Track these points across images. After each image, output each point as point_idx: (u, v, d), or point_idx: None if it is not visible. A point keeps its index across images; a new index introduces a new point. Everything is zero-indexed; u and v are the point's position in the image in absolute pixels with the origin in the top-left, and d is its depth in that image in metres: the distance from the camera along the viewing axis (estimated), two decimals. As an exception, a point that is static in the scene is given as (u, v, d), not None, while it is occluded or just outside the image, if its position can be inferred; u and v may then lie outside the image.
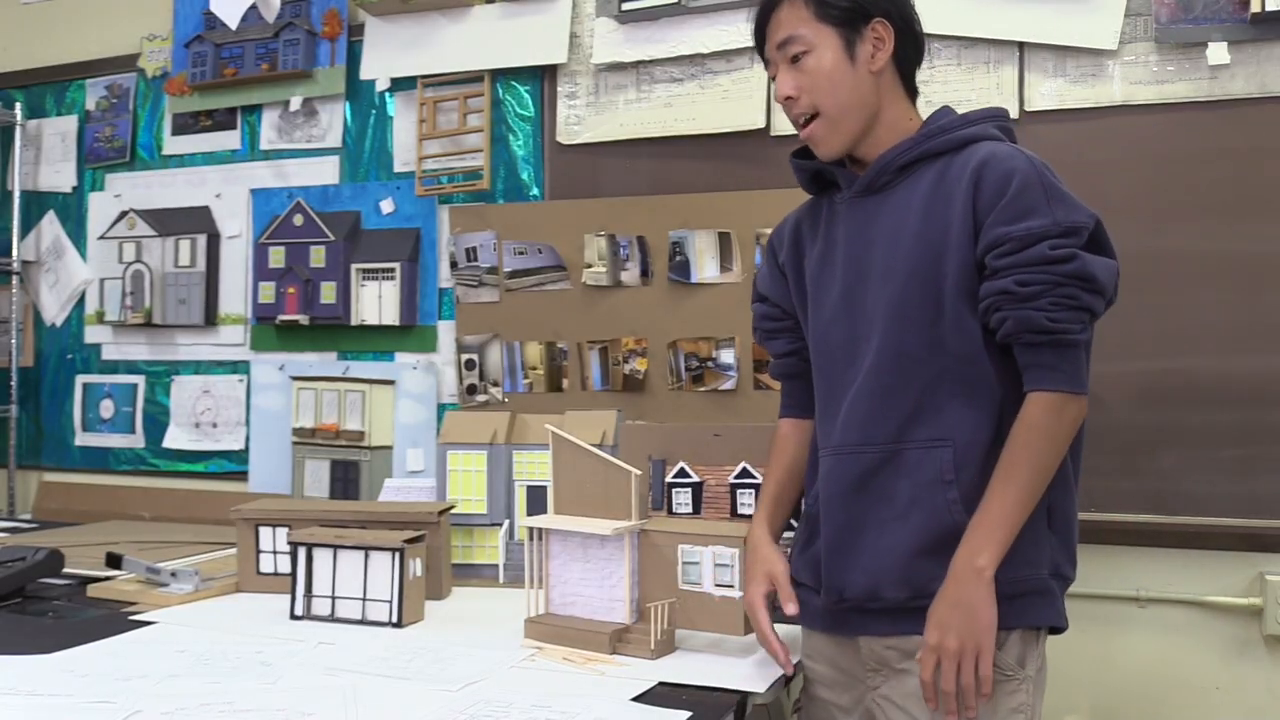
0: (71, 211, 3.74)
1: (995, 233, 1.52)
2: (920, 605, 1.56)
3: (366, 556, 2.05)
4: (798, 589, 1.73)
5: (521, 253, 2.99)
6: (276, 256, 3.31)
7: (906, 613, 1.58)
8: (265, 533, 2.29)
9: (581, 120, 2.98)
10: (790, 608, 1.72)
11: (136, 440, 3.61)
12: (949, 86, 2.54)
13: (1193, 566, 2.41)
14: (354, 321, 3.22)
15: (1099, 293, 1.51)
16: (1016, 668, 1.57)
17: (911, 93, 1.74)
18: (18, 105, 3.74)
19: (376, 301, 3.20)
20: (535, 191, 3.05)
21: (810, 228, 1.79)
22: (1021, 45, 2.53)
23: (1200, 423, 2.38)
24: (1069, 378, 1.52)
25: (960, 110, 1.72)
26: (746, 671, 1.72)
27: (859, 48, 1.65)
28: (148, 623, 2.04)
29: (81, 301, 3.71)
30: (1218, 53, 2.37)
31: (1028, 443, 1.52)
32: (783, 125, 2.75)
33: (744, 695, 1.63)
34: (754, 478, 2.18)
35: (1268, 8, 2.30)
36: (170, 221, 3.51)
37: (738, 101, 2.80)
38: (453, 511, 2.35)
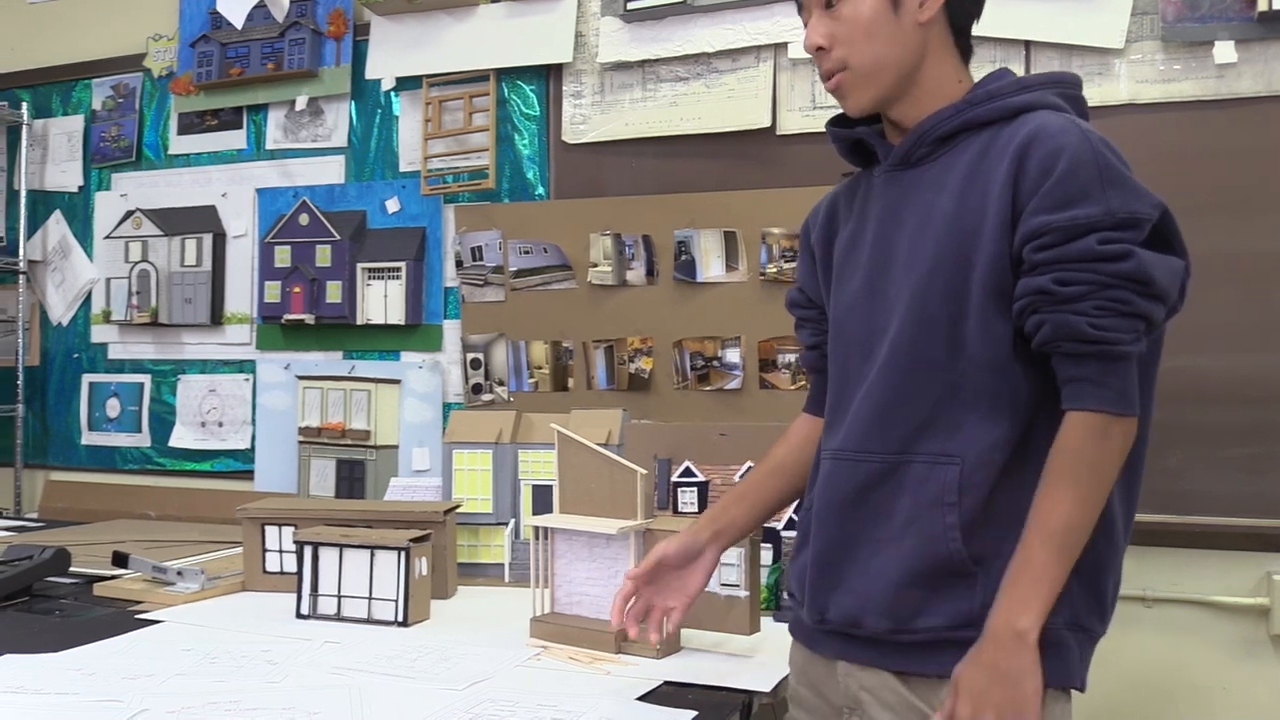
0: (78, 211, 3.75)
1: (1036, 221, 1.29)
2: (901, 640, 1.36)
3: (372, 556, 2.06)
4: (789, 599, 1.59)
5: (527, 252, 2.99)
6: (282, 256, 3.31)
7: (889, 646, 1.38)
8: (271, 532, 2.29)
9: (587, 119, 2.98)
10: (654, 637, 1.60)
11: (143, 439, 3.62)
12: (955, 85, 2.53)
13: (1200, 566, 2.40)
14: (359, 321, 3.23)
15: (1157, 298, 1.28)
16: None
17: (964, 51, 1.49)
18: (24, 105, 3.75)
19: (382, 301, 3.20)
20: (540, 191, 3.05)
21: (847, 204, 1.58)
22: (1028, 44, 2.52)
23: (1208, 421, 2.37)
24: (1115, 396, 1.27)
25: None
26: (752, 671, 1.72)
27: None
28: (154, 621, 2.04)
29: (88, 301, 3.72)
30: (1225, 51, 2.36)
31: (1067, 473, 1.28)
32: (789, 124, 2.75)
33: (749, 695, 1.63)
34: (760, 477, 2.17)
35: (1274, 6, 2.29)
36: (176, 221, 3.51)
37: (743, 100, 2.79)
38: (458, 511, 2.35)
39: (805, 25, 1.50)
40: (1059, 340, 1.28)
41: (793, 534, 2.05)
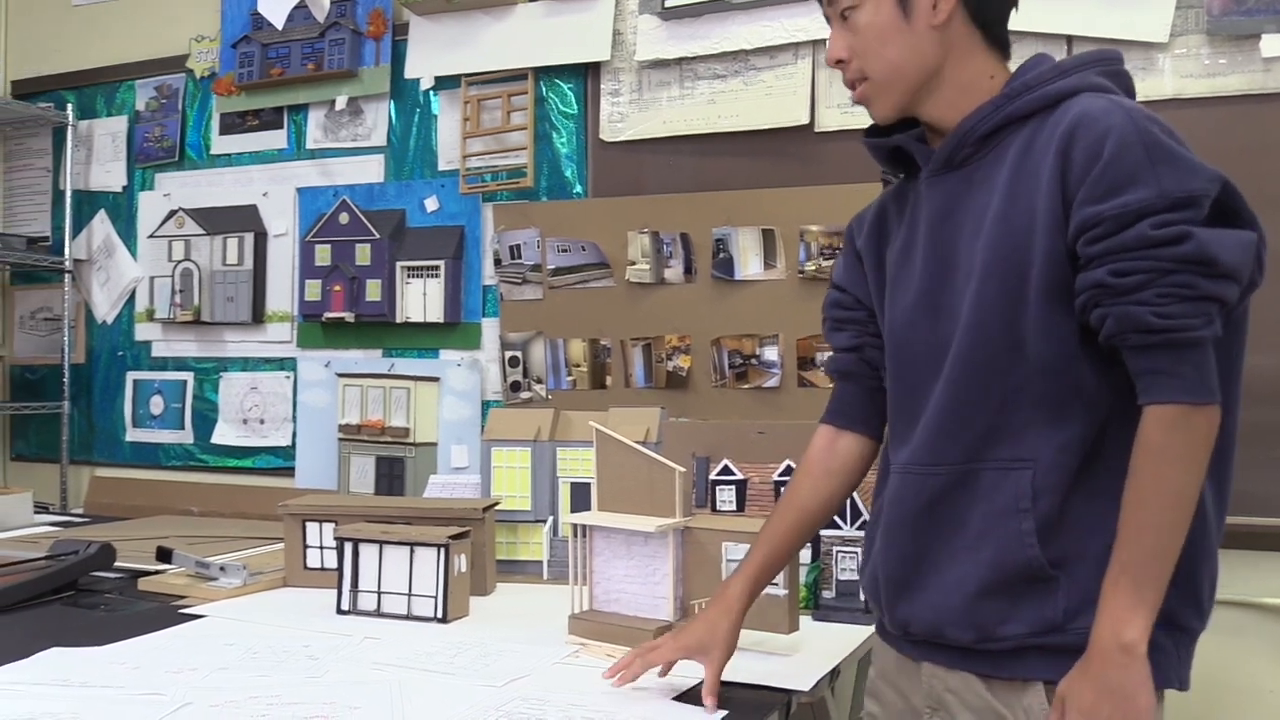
0: (122, 210, 3.79)
1: (1087, 212, 1.24)
2: (986, 649, 1.34)
3: (412, 552, 2.06)
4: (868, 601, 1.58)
5: (565, 250, 3.00)
6: (323, 254, 3.33)
7: (973, 652, 1.37)
8: (312, 528, 2.31)
9: (625, 117, 2.98)
10: (709, 700, 1.53)
11: (185, 436, 3.66)
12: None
13: (1249, 567, 2.37)
14: (399, 319, 3.24)
15: (1226, 276, 1.21)
16: None
17: (998, 45, 1.44)
18: (69, 106, 3.80)
19: (421, 299, 3.21)
20: (578, 189, 3.06)
21: (896, 212, 1.55)
22: (1070, 39, 2.49)
23: (1258, 421, 2.31)
24: (1192, 385, 1.21)
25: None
26: (791, 670, 1.71)
27: (916, 1, 1.39)
28: (197, 616, 2.06)
29: (132, 299, 3.76)
30: (1272, 44, 2.33)
31: (1151, 471, 1.23)
32: (827, 121, 2.74)
33: (789, 694, 1.62)
34: (798, 475, 2.16)
35: (1324, -2, 2.26)
36: (218, 220, 3.55)
37: (781, 97, 2.78)
38: (497, 508, 2.35)
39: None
40: (1125, 333, 1.23)
41: (831, 533, 2.05)
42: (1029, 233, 1.30)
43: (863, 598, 1.93)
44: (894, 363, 1.50)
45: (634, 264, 2.91)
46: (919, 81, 1.41)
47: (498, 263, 3.10)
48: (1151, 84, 2.43)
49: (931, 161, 1.44)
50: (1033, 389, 1.32)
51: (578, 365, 2.99)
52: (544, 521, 2.40)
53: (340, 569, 2.10)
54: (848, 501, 2.02)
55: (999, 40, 1.44)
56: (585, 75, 3.04)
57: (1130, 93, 1.38)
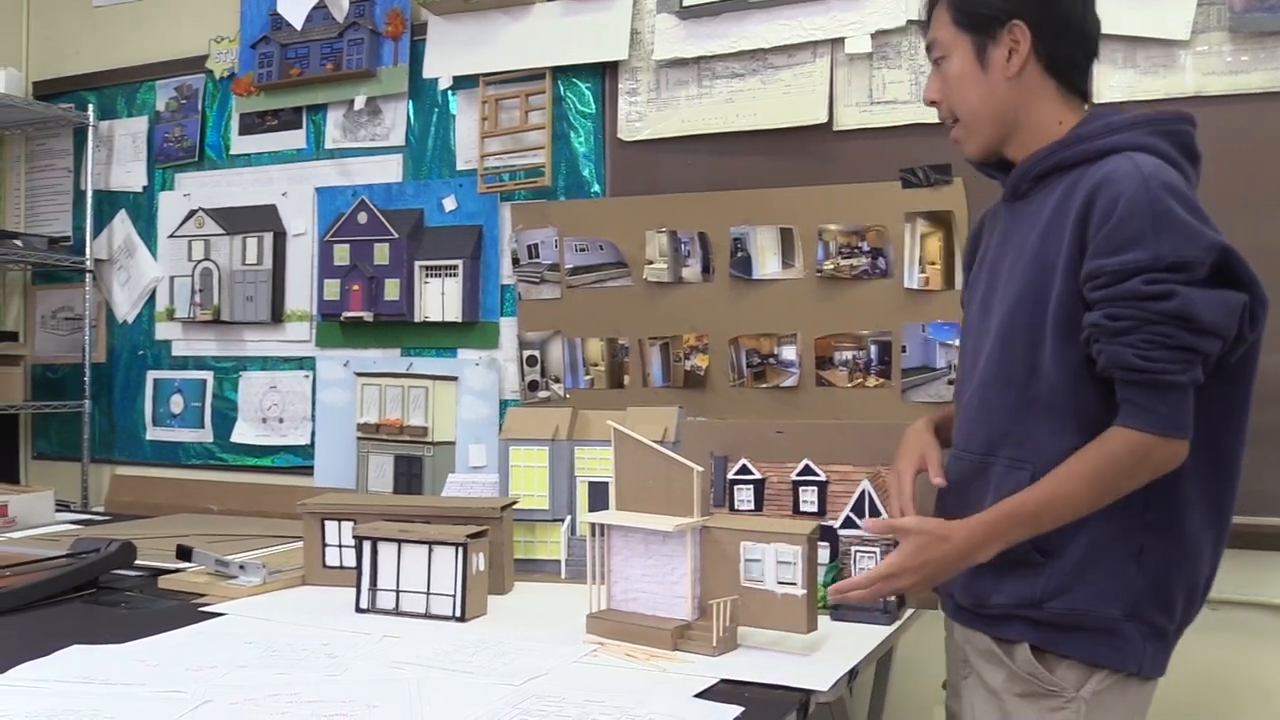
0: (142, 210, 3.81)
1: (1094, 264, 1.46)
2: (984, 613, 1.61)
3: (430, 551, 2.07)
4: None
5: (583, 249, 3.00)
6: (341, 254, 3.34)
7: (973, 614, 1.64)
8: (331, 527, 2.31)
9: (642, 117, 2.97)
10: (938, 480, 1.71)
11: (205, 435, 3.68)
12: (1015, 79, 2.50)
13: (1268, 569, 2.35)
14: (417, 318, 3.25)
15: (1205, 333, 1.41)
16: (1066, 687, 1.54)
17: (1076, 93, 1.64)
18: (90, 107, 3.82)
19: (439, 298, 3.22)
20: (596, 188, 3.06)
21: (989, 225, 1.79)
22: (1090, 36, 2.48)
23: (1269, 421, 2.32)
24: (1162, 420, 1.44)
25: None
26: (810, 670, 1.71)
27: (992, 52, 1.61)
28: (217, 614, 2.07)
29: (152, 299, 3.79)
30: (1295, 42, 2.31)
31: (1093, 469, 1.47)
32: (845, 119, 2.73)
33: (807, 694, 1.62)
34: (816, 475, 2.16)
35: (1347, -5, 2.24)
36: (238, 220, 3.56)
37: (800, 96, 2.78)
38: (515, 507, 2.36)
39: None
40: (1113, 368, 1.46)
41: (849, 533, 2.05)
42: (1053, 269, 1.52)
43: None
44: (960, 355, 1.83)
45: (652, 263, 2.91)
46: (996, 124, 1.64)
47: (515, 262, 3.10)
48: (1173, 81, 2.42)
49: (1005, 191, 1.69)
50: (1042, 402, 1.54)
51: (595, 364, 2.99)
52: (562, 520, 2.40)
53: (359, 568, 2.10)
54: (867, 502, 2.03)
55: (1074, 88, 1.64)
56: (603, 75, 3.04)
57: (1185, 150, 1.55)
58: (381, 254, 3.28)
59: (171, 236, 3.67)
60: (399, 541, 2.09)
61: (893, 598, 2.02)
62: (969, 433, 1.66)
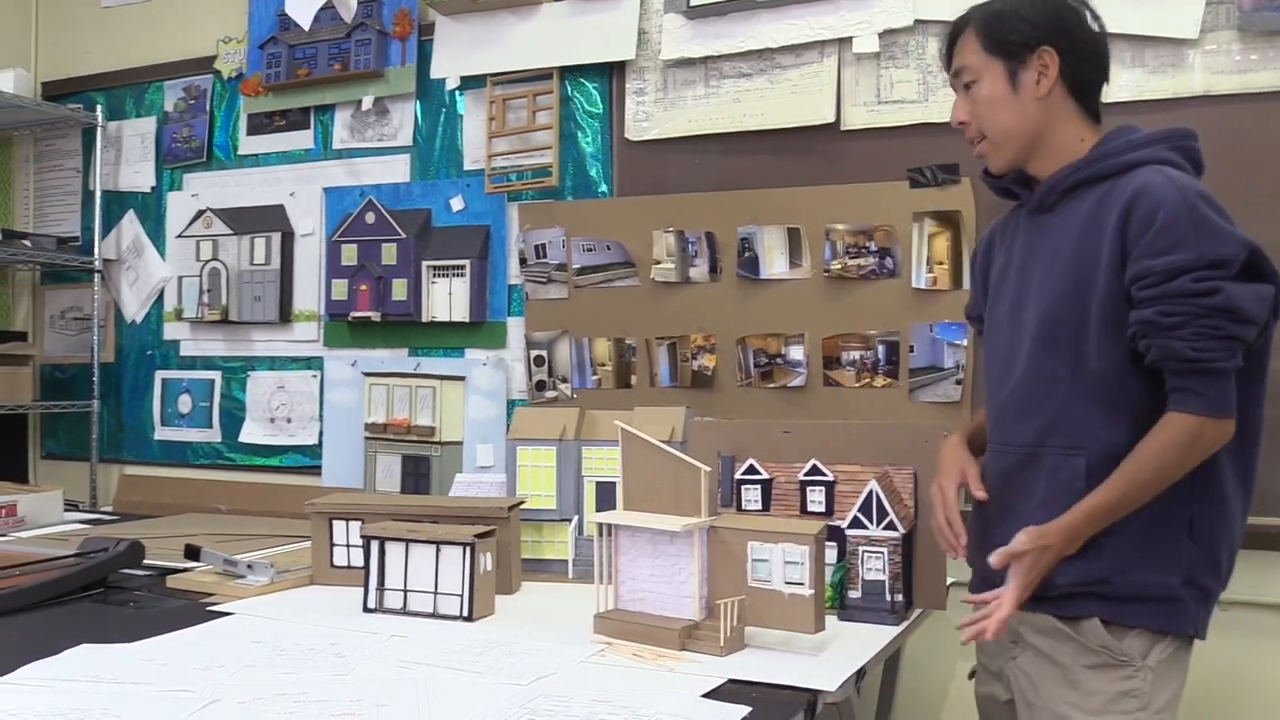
0: (150, 211, 3.82)
1: (1140, 266, 1.60)
2: (1048, 595, 1.69)
3: (438, 551, 2.07)
4: (970, 563, 1.90)
5: (590, 249, 3.00)
6: (349, 254, 3.35)
7: (1036, 597, 1.69)
8: (339, 526, 2.32)
9: (650, 116, 2.97)
10: (980, 493, 1.83)
11: (213, 435, 3.68)
12: (1023, 78, 2.50)
13: (1277, 569, 2.35)
14: (425, 318, 3.26)
15: (1247, 322, 1.58)
16: (1134, 656, 1.67)
17: (1090, 113, 1.80)
18: (99, 107, 3.83)
19: (447, 298, 3.22)
20: (604, 188, 3.06)
21: (1001, 238, 1.93)
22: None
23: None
24: (1211, 403, 1.59)
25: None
26: (817, 670, 1.71)
27: (1023, 76, 1.75)
28: (225, 613, 2.07)
29: (160, 299, 3.79)
30: (1304, 40, 2.30)
31: (1157, 453, 1.61)
32: (853, 119, 2.72)
33: (815, 694, 1.62)
34: (824, 475, 2.16)
35: (1357, -7, 2.23)
36: (246, 220, 3.57)
37: (807, 96, 2.78)
38: (523, 507, 2.36)
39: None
40: (1165, 360, 1.60)
41: (857, 533, 2.05)
42: (1093, 271, 1.66)
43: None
44: (986, 362, 1.92)
45: (659, 263, 2.91)
46: (1025, 142, 1.78)
47: (523, 262, 3.10)
48: (1181, 81, 2.41)
49: (1029, 203, 1.82)
50: (1090, 393, 1.68)
51: (603, 364, 2.99)
52: (569, 520, 2.41)
53: (367, 567, 2.11)
54: (874, 503, 2.03)
55: (1091, 110, 1.80)
56: (610, 74, 3.04)
57: (1197, 164, 1.73)
58: (389, 254, 3.29)
59: (180, 237, 3.68)
60: (407, 541, 2.10)
61: (900, 597, 2.02)
62: (1013, 428, 1.78)
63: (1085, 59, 1.77)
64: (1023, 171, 1.83)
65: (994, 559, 1.66)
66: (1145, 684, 1.67)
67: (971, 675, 1.99)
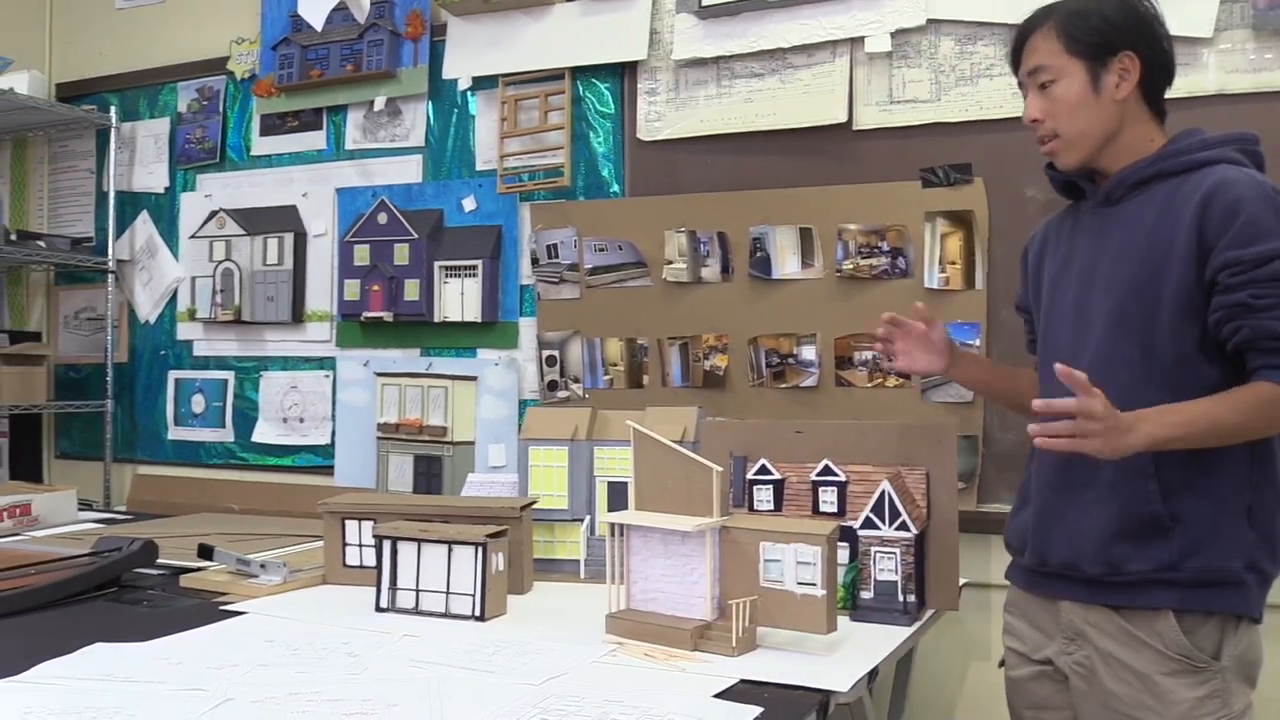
0: (164, 211, 3.83)
1: (1228, 255, 1.65)
2: (1115, 581, 1.73)
3: (450, 551, 2.07)
4: (1010, 548, 1.96)
5: (602, 249, 3.00)
6: (361, 254, 3.35)
7: (1103, 586, 1.75)
8: (351, 526, 2.32)
9: (662, 117, 2.97)
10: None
11: (226, 435, 3.69)
12: (1036, 78, 2.49)
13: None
14: (437, 318, 3.26)
15: None
16: (1210, 660, 1.70)
17: (1158, 113, 1.84)
18: (112, 109, 3.85)
19: (459, 298, 3.23)
20: (615, 188, 3.06)
21: (1057, 232, 1.96)
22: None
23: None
24: None
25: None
26: (829, 670, 1.70)
27: (1104, 78, 1.78)
28: (238, 613, 2.08)
29: (174, 299, 3.80)
30: (1319, 39, 2.29)
31: (1250, 404, 1.64)
32: (865, 119, 2.72)
33: (827, 694, 1.62)
34: (836, 475, 2.16)
35: (1373, -8, 2.22)
36: (258, 221, 3.58)
37: (819, 96, 2.77)
38: (534, 507, 2.36)
39: (1025, 98, 1.88)
40: (1258, 339, 1.64)
41: (869, 533, 2.04)
42: (1167, 261, 1.71)
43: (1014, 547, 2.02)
44: (1045, 350, 1.92)
45: (671, 263, 2.91)
46: (1101, 142, 1.80)
47: (535, 262, 3.10)
48: (1195, 80, 2.39)
49: (1094, 197, 1.85)
50: (1159, 379, 1.71)
51: (615, 364, 2.99)
52: (581, 520, 2.41)
53: (379, 567, 2.11)
54: (887, 503, 2.02)
55: (1159, 110, 1.84)
56: (622, 75, 3.04)
57: (1261, 166, 1.79)
58: (401, 254, 3.29)
59: (193, 237, 3.69)
60: (419, 541, 2.10)
61: (912, 597, 2.02)
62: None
63: (1162, 64, 1.81)
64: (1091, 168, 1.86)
65: (1061, 367, 1.59)
66: (1224, 684, 1.70)
67: (1001, 664, 2.01)
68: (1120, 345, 1.75)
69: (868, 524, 2.05)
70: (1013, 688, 1.98)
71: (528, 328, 3.17)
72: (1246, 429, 1.66)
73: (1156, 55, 1.80)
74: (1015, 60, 1.88)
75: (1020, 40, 1.86)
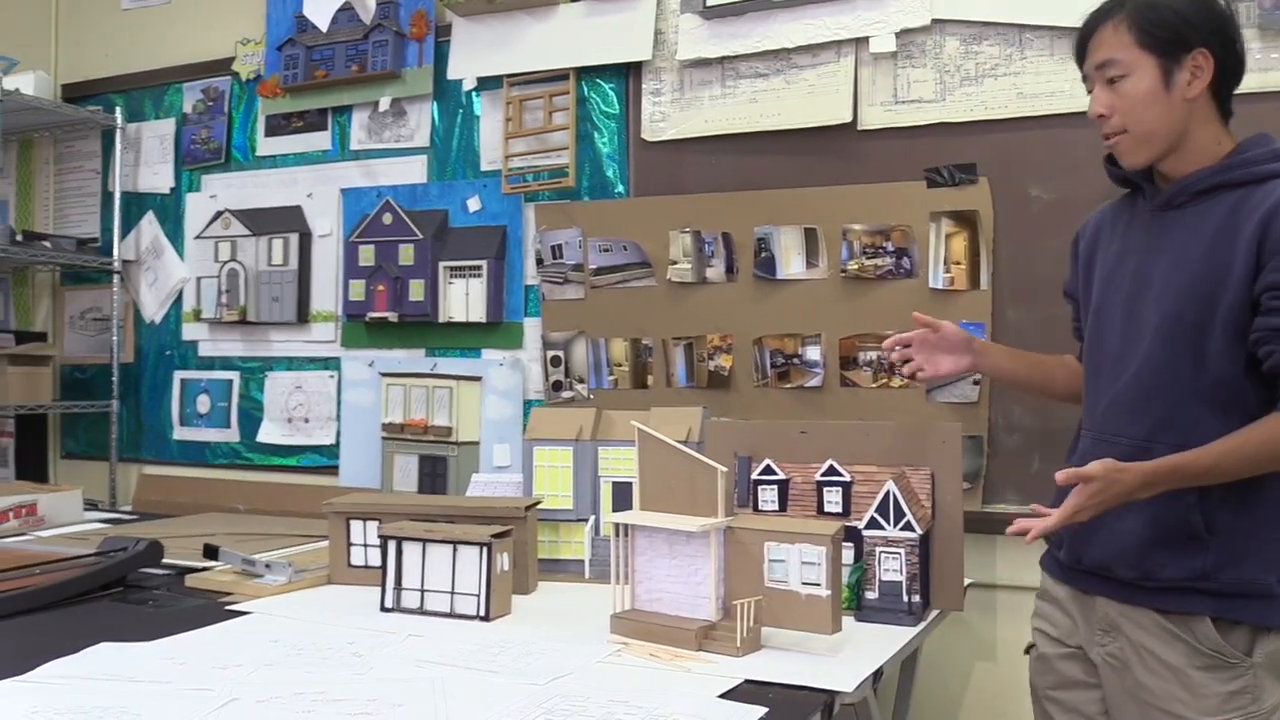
0: (169, 212, 3.84)
1: (1274, 277, 1.62)
2: (1148, 585, 1.73)
3: (455, 551, 2.08)
4: (1047, 540, 1.91)
5: (606, 250, 3.00)
6: (366, 255, 3.36)
7: (1137, 588, 1.75)
8: (356, 526, 2.33)
9: (666, 117, 2.97)
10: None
11: (232, 435, 3.70)
12: (1041, 78, 2.48)
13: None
14: (442, 318, 3.26)
15: None
16: (1243, 656, 1.69)
17: (1225, 114, 1.79)
18: (118, 109, 3.85)
19: (464, 299, 3.23)
20: (620, 188, 3.06)
21: (1112, 225, 1.91)
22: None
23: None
24: None
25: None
26: (834, 670, 1.70)
27: (1176, 76, 1.72)
28: (243, 613, 2.08)
29: (179, 299, 3.81)
30: (1325, 39, 2.28)
31: (1262, 441, 1.64)
32: (870, 119, 2.72)
33: (831, 694, 1.62)
34: (841, 475, 2.16)
35: (1379, -9, 2.21)
36: (264, 221, 3.58)
37: (824, 96, 2.77)
38: (539, 507, 2.36)
39: (1089, 92, 1.83)
40: None
41: (874, 533, 2.04)
42: (1224, 276, 1.67)
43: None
44: (1092, 350, 1.90)
45: (675, 263, 2.91)
46: (1169, 141, 1.75)
47: (539, 262, 3.10)
48: (1201, 80, 2.39)
49: (1156, 199, 1.79)
50: (1206, 394, 1.69)
51: (619, 365, 2.99)
52: (586, 520, 2.41)
53: (384, 567, 2.11)
54: (891, 503, 2.02)
55: (1226, 111, 1.78)
56: (627, 75, 3.04)
57: None
58: (406, 254, 3.30)
59: (198, 238, 3.70)
60: (424, 541, 2.10)
61: (917, 598, 2.02)
62: (1126, 419, 1.78)
63: (1235, 64, 1.76)
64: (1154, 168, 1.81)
65: (1061, 475, 1.64)
66: (1256, 680, 1.69)
67: (1028, 650, 2.01)
68: (1170, 358, 1.72)
69: (872, 524, 2.05)
70: (1038, 666, 1.98)
71: (532, 328, 3.17)
72: (1260, 465, 1.65)
73: (1230, 54, 1.74)
74: (1081, 52, 1.82)
75: (1087, 32, 1.80)
